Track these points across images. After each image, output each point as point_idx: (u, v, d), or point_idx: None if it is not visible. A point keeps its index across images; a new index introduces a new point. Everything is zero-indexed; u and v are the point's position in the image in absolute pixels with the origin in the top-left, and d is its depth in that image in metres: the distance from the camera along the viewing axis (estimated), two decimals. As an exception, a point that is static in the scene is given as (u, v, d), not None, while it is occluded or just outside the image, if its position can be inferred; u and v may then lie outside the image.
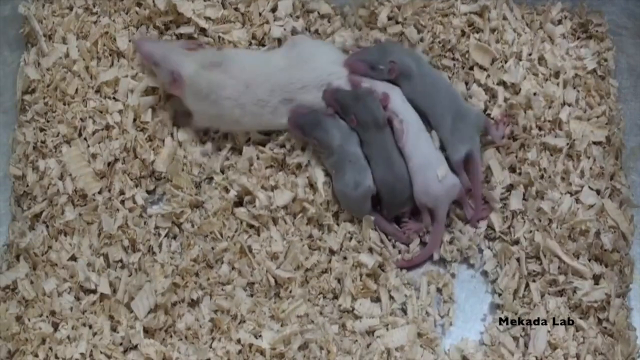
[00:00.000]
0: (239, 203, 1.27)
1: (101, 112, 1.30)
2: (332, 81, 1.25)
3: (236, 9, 1.37)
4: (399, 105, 1.25)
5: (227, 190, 1.26)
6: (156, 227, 1.25)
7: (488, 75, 1.33)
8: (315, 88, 1.25)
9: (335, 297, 1.22)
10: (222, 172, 1.29)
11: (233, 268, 1.23)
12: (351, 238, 1.25)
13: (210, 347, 1.17)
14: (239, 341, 1.17)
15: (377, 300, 1.22)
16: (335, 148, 1.24)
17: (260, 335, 1.17)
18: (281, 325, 1.18)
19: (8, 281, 1.21)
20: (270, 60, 1.28)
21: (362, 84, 1.26)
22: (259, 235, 1.25)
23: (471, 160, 1.25)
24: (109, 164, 1.27)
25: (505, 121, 1.29)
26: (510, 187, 1.27)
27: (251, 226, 1.25)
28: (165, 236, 1.25)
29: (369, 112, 1.23)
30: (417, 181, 1.23)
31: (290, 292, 1.21)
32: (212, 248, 1.23)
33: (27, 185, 1.26)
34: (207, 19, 1.34)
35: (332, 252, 1.24)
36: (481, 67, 1.34)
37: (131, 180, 1.27)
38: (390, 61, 1.25)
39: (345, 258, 1.23)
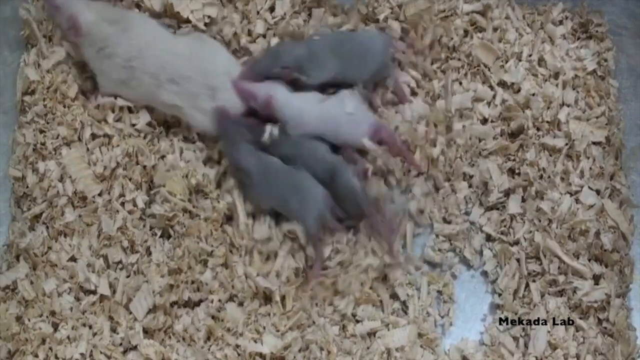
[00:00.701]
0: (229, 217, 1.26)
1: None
2: (218, 87, 1.25)
3: (235, 7, 1.36)
4: (286, 101, 1.24)
5: (218, 202, 1.25)
6: (151, 228, 1.24)
7: (491, 73, 1.33)
8: (202, 87, 1.25)
9: (336, 295, 1.21)
10: (219, 185, 1.27)
11: (215, 276, 1.21)
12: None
13: (209, 349, 1.17)
14: (237, 346, 1.16)
15: (379, 303, 1.22)
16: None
17: (259, 339, 1.16)
18: (282, 335, 1.18)
19: (8, 281, 1.21)
20: (170, 40, 1.29)
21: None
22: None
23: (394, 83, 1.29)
24: (109, 167, 1.27)
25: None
26: (508, 191, 1.27)
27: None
28: (160, 236, 1.24)
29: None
30: (338, 131, 1.23)
31: (288, 307, 1.20)
32: (200, 254, 1.21)
33: (27, 187, 1.26)
34: (206, 17, 1.34)
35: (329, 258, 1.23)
36: (485, 66, 1.33)
37: (131, 183, 1.26)
38: (282, 67, 1.25)
39: (342, 265, 1.22)
